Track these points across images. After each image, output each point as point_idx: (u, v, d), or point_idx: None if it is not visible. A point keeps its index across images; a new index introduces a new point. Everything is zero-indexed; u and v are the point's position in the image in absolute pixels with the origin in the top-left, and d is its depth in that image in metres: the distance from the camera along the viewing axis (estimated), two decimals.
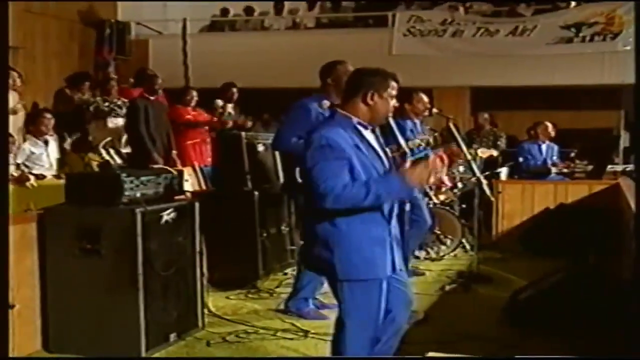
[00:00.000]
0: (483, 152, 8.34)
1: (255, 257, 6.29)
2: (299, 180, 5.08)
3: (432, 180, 3.30)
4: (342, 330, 3.41)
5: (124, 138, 8.54)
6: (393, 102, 3.48)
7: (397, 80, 3.45)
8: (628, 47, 11.73)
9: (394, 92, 3.45)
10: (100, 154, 6.76)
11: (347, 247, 3.27)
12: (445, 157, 3.51)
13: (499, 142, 10.94)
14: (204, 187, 7.67)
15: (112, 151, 6.92)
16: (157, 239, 4.50)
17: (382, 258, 3.33)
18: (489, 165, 9.48)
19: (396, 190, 3.22)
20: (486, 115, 11.31)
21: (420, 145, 6.18)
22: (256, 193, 6.30)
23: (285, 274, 6.70)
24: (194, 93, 9.07)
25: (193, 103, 9.02)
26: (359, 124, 3.38)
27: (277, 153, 6.48)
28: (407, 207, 5.31)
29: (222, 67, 12.39)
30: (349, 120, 3.37)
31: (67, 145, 8.20)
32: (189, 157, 8.71)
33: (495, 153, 8.65)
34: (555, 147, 9.96)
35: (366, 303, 3.33)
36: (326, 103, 5.15)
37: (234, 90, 9.75)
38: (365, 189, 3.15)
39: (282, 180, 6.25)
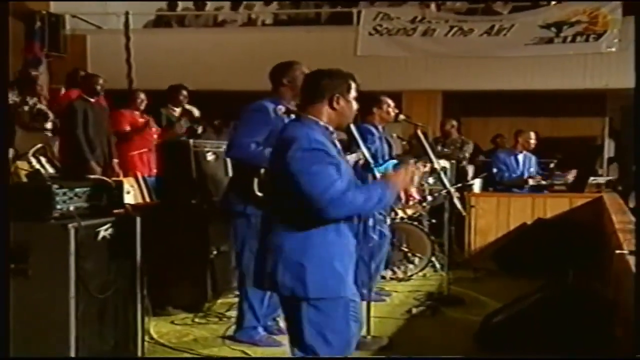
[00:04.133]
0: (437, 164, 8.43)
1: (204, 277, 6.25)
2: (257, 192, 5.06)
3: (415, 182, 3.51)
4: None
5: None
6: (356, 105, 3.60)
7: (356, 80, 3.57)
8: (613, 49, 11.93)
9: (355, 94, 3.57)
10: (29, 163, 6.68)
11: (320, 262, 3.34)
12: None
13: (464, 148, 11.03)
14: (147, 199, 7.60)
15: (43, 159, 6.85)
16: (93, 258, 4.43)
17: (350, 274, 3.46)
18: (461, 177, 9.56)
19: (388, 196, 3.41)
20: (454, 122, 11.40)
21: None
22: (205, 207, 6.26)
23: (237, 296, 6.65)
24: (143, 96, 8.98)
25: (143, 107, 8.92)
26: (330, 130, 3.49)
27: (229, 162, 6.44)
28: (371, 222, 5.35)
29: (169, 67, 12.38)
30: (323, 126, 3.45)
31: None
32: (133, 167, 8.62)
33: (448, 165, 8.74)
34: (533, 158, 10.04)
35: (335, 324, 3.40)
36: (281, 109, 5.14)
37: (185, 93, 9.52)
38: (362, 196, 3.33)
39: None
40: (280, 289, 3.40)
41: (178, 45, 13.50)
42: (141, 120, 8.83)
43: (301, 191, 3.23)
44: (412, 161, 3.72)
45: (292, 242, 3.34)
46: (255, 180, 5.13)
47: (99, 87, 8.41)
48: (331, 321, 3.39)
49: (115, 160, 8.46)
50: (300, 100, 3.63)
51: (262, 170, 5.02)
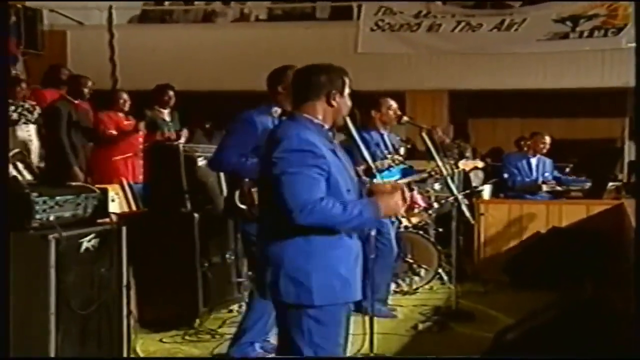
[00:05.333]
0: (465, 165, 8.38)
1: (195, 291, 6.23)
2: (239, 204, 5.13)
3: (402, 212, 3.62)
4: None
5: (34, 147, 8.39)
6: (349, 102, 3.67)
7: (349, 75, 3.64)
8: (634, 44, 11.88)
9: (349, 90, 3.64)
10: None
11: (326, 267, 3.39)
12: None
13: (467, 155, 11.02)
14: (133, 208, 7.59)
15: (20, 165, 6.84)
16: (75, 271, 4.44)
17: (357, 277, 3.53)
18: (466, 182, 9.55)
19: (368, 216, 3.39)
20: (442, 128, 11.51)
21: (391, 166, 6.28)
22: (196, 215, 6.27)
23: (231, 311, 6.67)
24: (125, 96, 8.97)
25: (126, 108, 8.90)
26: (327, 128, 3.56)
27: None
28: (373, 232, 5.38)
29: (156, 66, 12.39)
30: (318, 123, 3.51)
31: None
32: (117, 173, 8.60)
33: (480, 164, 8.69)
34: (548, 162, 10.02)
35: (333, 332, 3.47)
36: (277, 110, 5.18)
37: (171, 93, 9.52)
38: (339, 208, 3.30)
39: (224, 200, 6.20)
40: (283, 296, 3.42)
41: (165, 42, 13.52)
42: (126, 122, 8.78)
43: (277, 193, 3.29)
44: (404, 185, 3.78)
45: (295, 248, 3.38)
46: (237, 192, 5.20)
47: (86, 90, 8.38)
48: (330, 328, 3.46)
49: None
50: (293, 97, 3.66)
51: (245, 182, 5.13)
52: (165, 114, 9.28)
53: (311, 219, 3.27)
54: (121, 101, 8.83)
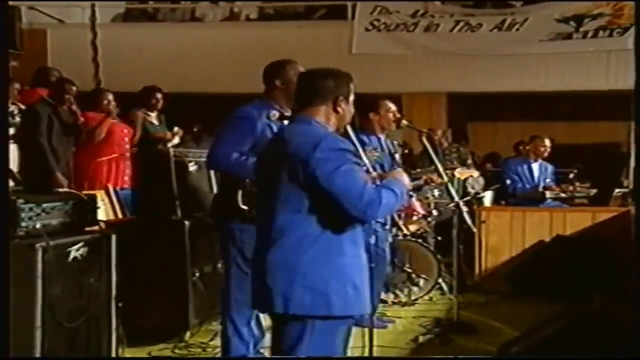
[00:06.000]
0: (461, 173, 8.40)
1: (185, 302, 6.22)
2: (242, 206, 5.09)
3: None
4: None
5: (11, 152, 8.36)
6: (352, 108, 3.74)
7: (353, 81, 3.71)
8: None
9: (352, 96, 3.71)
10: None
11: (344, 277, 3.43)
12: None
13: (468, 163, 11.06)
14: (119, 215, 7.58)
15: None
16: (63, 281, 4.44)
17: (367, 289, 3.56)
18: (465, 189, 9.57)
19: (404, 192, 3.59)
20: (441, 130, 11.54)
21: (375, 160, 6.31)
22: (187, 223, 6.26)
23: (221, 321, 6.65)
24: (110, 96, 8.92)
25: (111, 108, 8.85)
26: None
27: (212, 173, 6.47)
28: (373, 239, 5.39)
29: (141, 67, 12.35)
30: (323, 126, 3.57)
31: None
32: (101, 177, 8.56)
33: (475, 173, 8.73)
34: (550, 167, 10.04)
35: (337, 345, 3.50)
36: (275, 114, 5.17)
37: (159, 96, 9.47)
38: (389, 193, 3.46)
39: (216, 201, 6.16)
40: (294, 308, 3.42)
41: (151, 42, 13.50)
42: (112, 122, 8.73)
43: (334, 195, 3.33)
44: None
45: (311, 254, 3.40)
46: (240, 193, 5.15)
47: (67, 97, 8.32)
48: (330, 342, 3.47)
49: None
50: (297, 101, 3.70)
51: (247, 182, 5.06)
52: (153, 117, 9.26)
53: (376, 213, 3.42)
54: (105, 102, 8.75)
